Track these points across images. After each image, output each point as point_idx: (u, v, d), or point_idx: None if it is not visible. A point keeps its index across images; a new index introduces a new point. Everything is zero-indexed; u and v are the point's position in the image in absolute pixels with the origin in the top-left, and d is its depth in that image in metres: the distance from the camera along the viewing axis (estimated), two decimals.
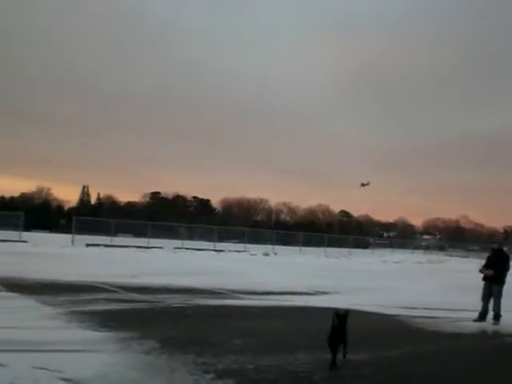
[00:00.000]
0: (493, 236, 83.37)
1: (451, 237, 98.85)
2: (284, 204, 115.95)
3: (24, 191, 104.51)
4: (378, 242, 77.97)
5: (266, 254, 42.06)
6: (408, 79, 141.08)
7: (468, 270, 38.79)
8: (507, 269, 11.43)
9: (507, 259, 11.49)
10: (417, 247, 76.55)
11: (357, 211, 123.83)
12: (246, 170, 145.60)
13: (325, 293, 15.73)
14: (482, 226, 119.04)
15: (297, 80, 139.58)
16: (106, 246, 37.44)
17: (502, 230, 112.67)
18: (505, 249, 12.12)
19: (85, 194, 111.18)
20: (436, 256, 59.77)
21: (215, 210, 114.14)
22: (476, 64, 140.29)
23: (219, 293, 14.26)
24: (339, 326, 6.21)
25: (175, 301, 11.97)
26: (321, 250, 50.42)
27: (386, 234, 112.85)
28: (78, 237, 38.57)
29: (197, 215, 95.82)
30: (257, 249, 44.63)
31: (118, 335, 7.45)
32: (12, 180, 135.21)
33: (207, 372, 5.68)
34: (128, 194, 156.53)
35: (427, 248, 78.01)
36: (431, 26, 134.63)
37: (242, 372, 5.82)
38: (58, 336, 7.25)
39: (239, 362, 6.21)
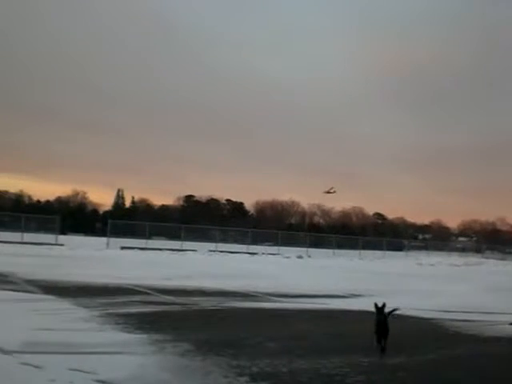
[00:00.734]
0: None
1: (487, 239, 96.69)
2: (318, 206, 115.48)
3: (60, 195, 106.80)
4: (412, 244, 76.90)
5: (300, 257, 41.95)
6: (451, 79, 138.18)
7: (505, 272, 38.23)
8: None
9: None
10: (452, 249, 75.22)
11: (391, 213, 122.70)
12: (277, 172, 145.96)
13: (359, 295, 15.53)
14: None
15: (332, 82, 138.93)
16: (140, 248, 37.96)
17: None
18: None
19: (120, 197, 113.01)
20: (472, 258, 58.61)
21: (248, 212, 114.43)
22: None
23: (253, 295, 14.22)
24: (383, 318, 6.88)
25: (209, 303, 11.97)
26: (355, 252, 50.07)
27: (420, 236, 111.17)
28: (113, 240, 39.19)
29: (230, 218, 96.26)
30: (290, 251, 44.53)
31: (152, 337, 7.48)
32: (48, 184, 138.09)
33: (241, 375, 5.64)
34: (162, 197, 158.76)
35: (463, 250, 76.60)
36: (478, 27, 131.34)
37: (276, 375, 5.76)
38: (93, 338, 7.32)
39: (273, 365, 6.15)
